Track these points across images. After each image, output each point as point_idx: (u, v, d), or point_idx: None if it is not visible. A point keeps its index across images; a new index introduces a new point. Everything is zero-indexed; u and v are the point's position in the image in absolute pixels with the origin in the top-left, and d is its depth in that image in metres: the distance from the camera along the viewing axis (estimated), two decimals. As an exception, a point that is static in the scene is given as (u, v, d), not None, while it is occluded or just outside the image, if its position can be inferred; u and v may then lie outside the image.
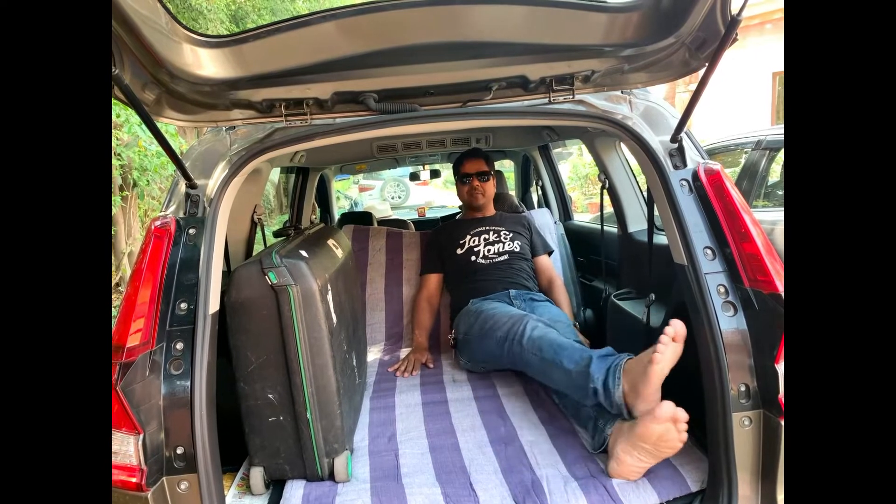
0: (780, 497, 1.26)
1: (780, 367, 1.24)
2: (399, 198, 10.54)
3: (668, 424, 1.32)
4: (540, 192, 3.64)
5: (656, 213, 1.72)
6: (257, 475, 1.51)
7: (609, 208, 2.35)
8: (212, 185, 1.43)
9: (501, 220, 2.65)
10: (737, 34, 1.17)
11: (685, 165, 1.47)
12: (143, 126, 3.76)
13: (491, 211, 2.72)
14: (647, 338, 1.85)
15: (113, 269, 5.26)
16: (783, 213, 3.33)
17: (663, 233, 1.57)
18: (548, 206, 3.45)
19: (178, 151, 1.36)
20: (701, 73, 1.31)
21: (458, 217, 2.98)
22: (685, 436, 1.34)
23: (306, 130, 1.45)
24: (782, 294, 1.25)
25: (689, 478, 1.42)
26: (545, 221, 2.93)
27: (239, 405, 1.50)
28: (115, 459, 1.19)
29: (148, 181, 5.31)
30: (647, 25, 1.27)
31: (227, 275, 1.61)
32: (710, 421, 1.33)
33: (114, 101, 1.12)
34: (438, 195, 10.53)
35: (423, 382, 2.18)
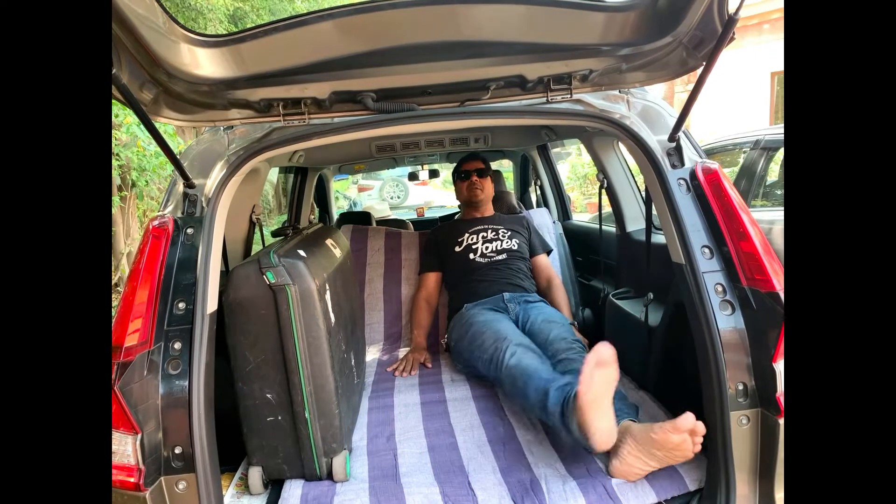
0: (778, 495, 1.26)
1: (778, 366, 1.24)
2: (398, 198, 10.55)
3: (685, 435, 1.31)
4: (539, 192, 3.64)
5: (654, 212, 1.72)
6: (256, 475, 1.51)
7: (607, 208, 2.35)
8: (210, 184, 1.43)
9: (500, 220, 2.68)
10: (734, 33, 1.17)
11: (683, 165, 1.47)
12: (142, 126, 3.75)
13: (490, 211, 2.76)
14: (646, 337, 1.86)
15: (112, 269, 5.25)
16: (782, 213, 3.33)
17: (661, 232, 1.57)
18: (546, 205, 3.46)
19: (176, 151, 1.36)
20: (699, 72, 1.31)
21: (457, 217, 2.99)
22: (699, 447, 1.34)
23: (304, 130, 1.45)
24: (780, 293, 1.26)
25: (686, 477, 1.42)
26: (544, 221, 2.93)
27: (237, 405, 1.50)
28: (114, 459, 1.19)
29: (146, 181, 5.31)
30: (644, 25, 1.27)
31: (226, 274, 1.61)
32: (707, 420, 1.34)
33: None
34: (437, 195, 10.53)
35: (421, 382, 2.18)
